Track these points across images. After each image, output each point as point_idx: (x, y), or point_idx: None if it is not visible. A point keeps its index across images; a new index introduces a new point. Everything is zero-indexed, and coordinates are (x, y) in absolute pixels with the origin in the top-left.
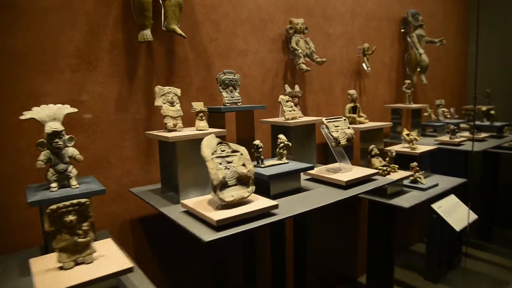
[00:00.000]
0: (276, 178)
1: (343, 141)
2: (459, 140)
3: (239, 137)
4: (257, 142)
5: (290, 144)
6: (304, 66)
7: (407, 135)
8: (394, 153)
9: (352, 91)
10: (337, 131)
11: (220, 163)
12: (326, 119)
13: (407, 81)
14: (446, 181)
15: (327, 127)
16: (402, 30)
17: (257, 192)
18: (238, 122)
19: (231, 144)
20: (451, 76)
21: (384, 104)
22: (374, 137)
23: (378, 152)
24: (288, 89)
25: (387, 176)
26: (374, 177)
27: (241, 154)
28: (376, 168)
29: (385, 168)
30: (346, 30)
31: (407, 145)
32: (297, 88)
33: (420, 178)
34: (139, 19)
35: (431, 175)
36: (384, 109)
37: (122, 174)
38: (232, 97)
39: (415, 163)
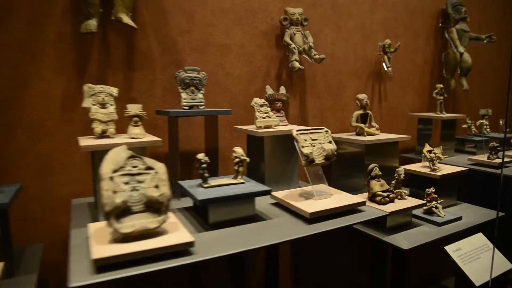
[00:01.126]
0: (215, 203)
1: (319, 159)
2: (499, 162)
3: (208, 147)
4: (200, 156)
5: (248, 159)
6: (297, 64)
7: (429, 152)
8: (402, 175)
9: (362, 96)
10: (313, 146)
11: (127, 183)
12: (298, 130)
13: (439, 86)
14: (474, 214)
15: (296, 141)
16: (441, 25)
17: (196, 219)
18: (206, 130)
19: (146, 159)
20: (503, 81)
21: (412, 112)
22: (385, 153)
23: (379, 173)
24: (269, 90)
25: (389, 205)
26: (361, 207)
27: (156, 172)
28: (374, 194)
29: (386, 194)
30: (363, 24)
31: (428, 164)
32: (282, 90)
33: (437, 208)
34: (83, 6)
35: (457, 203)
36: (411, 119)
37: (67, 182)
38: (193, 99)
39: (431, 189)
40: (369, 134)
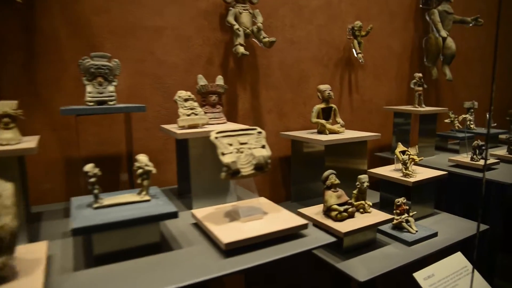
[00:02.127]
0: (98, 231)
1: (246, 170)
2: (483, 163)
3: (130, 150)
4: (88, 167)
5: (154, 170)
6: (240, 49)
7: (402, 153)
8: (365, 183)
9: (324, 86)
10: (240, 152)
11: None
12: (219, 132)
13: (417, 75)
14: (454, 228)
15: (216, 147)
16: (421, 6)
17: (85, 248)
18: (127, 130)
19: None
20: (492, 70)
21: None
22: (352, 154)
23: (336, 182)
24: (201, 81)
25: (347, 222)
26: (303, 231)
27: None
28: (329, 208)
29: (343, 208)
30: (330, 2)
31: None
32: (219, 80)
33: (408, 222)
34: None
35: (435, 213)
36: (388, 113)
37: None
38: (101, 93)
39: (401, 199)
40: (332, 132)
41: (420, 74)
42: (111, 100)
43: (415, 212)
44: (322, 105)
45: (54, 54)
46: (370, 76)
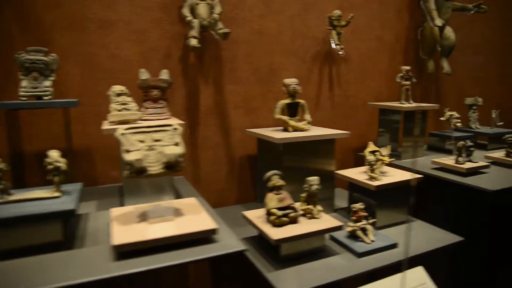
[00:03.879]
0: None
1: (154, 168)
2: (468, 167)
3: (68, 146)
4: None
5: (64, 167)
6: (193, 42)
7: (372, 153)
8: (314, 186)
9: (289, 80)
10: (152, 149)
11: None
12: (126, 129)
13: (405, 68)
14: (423, 238)
15: (121, 144)
16: None
17: None
18: (65, 126)
19: None
20: (502, 64)
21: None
22: (317, 154)
23: (279, 183)
24: (143, 75)
25: (287, 228)
26: (216, 236)
27: None
28: (268, 212)
29: (281, 212)
30: None
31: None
32: (164, 74)
33: (365, 230)
34: None
35: (408, 221)
36: (376, 110)
37: None
38: (35, 88)
39: (358, 205)
40: (296, 130)
41: (408, 67)
42: (46, 95)
43: (375, 220)
44: (287, 101)
45: (4, 50)
46: (355, 70)
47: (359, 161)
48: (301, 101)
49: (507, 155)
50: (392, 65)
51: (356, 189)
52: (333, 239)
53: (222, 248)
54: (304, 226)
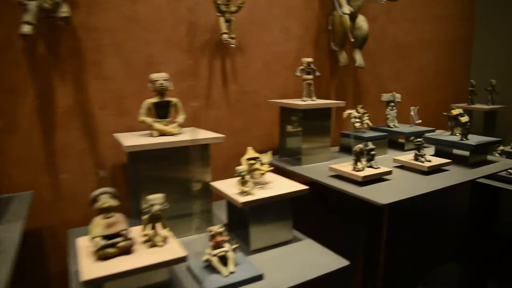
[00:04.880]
0: None
1: None
2: (365, 174)
3: None
4: None
5: None
6: (26, 28)
7: (252, 160)
8: (156, 206)
9: (156, 75)
10: None
11: None
12: None
13: (305, 60)
14: (300, 265)
15: None
16: None
17: None
18: None
19: None
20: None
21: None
22: (186, 163)
23: (107, 205)
24: None
25: (114, 260)
26: None
27: None
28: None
29: (105, 242)
30: None
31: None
32: None
33: (224, 259)
34: None
35: (294, 240)
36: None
37: None
38: None
39: (216, 228)
40: (163, 134)
41: (310, 59)
42: None
43: (237, 245)
44: (155, 99)
45: None
46: (255, 63)
47: None
48: (173, 99)
49: (416, 158)
50: (301, 58)
51: (231, 204)
52: (190, 269)
53: None
54: (135, 259)
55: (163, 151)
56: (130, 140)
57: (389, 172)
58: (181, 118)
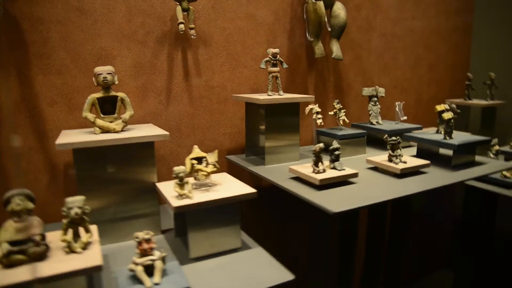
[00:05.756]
0: None
1: None
2: (324, 177)
3: None
4: None
5: None
6: None
7: (198, 160)
8: (75, 210)
9: (99, 68)
10: None
11: None
12: None
13: (271, 51)
14: (240, 278)
15: None
16: None
17: None
18: None
19: None
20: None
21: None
22: (130, 163)
23: (18, 208)
24: None
25: (21, 268)
26: None
27: None
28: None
29: (10, 249)
30: None
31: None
32: None
33: (150, 269)
34: None
35: (242, 249)
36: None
37: None
38: None
39: (141, 234)
40: (106, 131)
41: (276, 50)
42: None
43: (165, 254)
44: (99, 94)
45: None
46: (220, 55)
47: (233, 167)
48: (120, 94)
49: (389, 159)
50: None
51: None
52: (116, 278)
53: None
54: (47, 266)
55: (103, 150)
56: (67, 137)
57: (354, 175)
58: (127, 114)
